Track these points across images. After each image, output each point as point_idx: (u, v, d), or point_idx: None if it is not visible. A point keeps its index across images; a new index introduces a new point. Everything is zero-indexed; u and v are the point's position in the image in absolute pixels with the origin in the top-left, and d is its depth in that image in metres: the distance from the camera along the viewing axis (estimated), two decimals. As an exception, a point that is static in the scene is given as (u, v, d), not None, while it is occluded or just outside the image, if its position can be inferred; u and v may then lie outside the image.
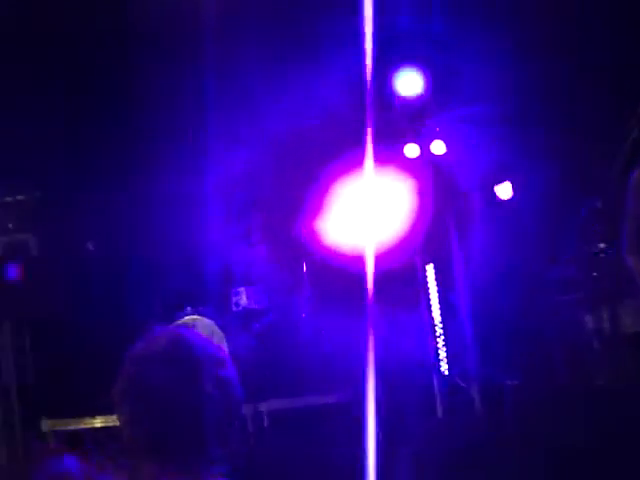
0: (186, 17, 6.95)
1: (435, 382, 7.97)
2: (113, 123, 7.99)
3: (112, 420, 7.79)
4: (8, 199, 8.37)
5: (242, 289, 8.28)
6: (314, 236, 8.17)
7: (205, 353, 1.59)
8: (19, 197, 8.32)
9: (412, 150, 7.97)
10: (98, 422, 7.83)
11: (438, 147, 7.96)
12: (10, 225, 8.36)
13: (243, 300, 8.24)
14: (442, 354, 8.15)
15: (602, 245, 6.98)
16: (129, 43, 7.33)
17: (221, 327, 5.52)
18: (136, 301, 8.45)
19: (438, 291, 8.26)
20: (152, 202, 8.32)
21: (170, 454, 1.54)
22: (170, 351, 1.56)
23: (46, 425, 7.91)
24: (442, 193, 8.02)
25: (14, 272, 8.38)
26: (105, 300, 8.23)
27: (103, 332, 8.15)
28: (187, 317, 8.07)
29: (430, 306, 8.26)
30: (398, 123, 7.95)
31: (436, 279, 8.28)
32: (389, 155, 7.54)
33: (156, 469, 1.53)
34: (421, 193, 7.80)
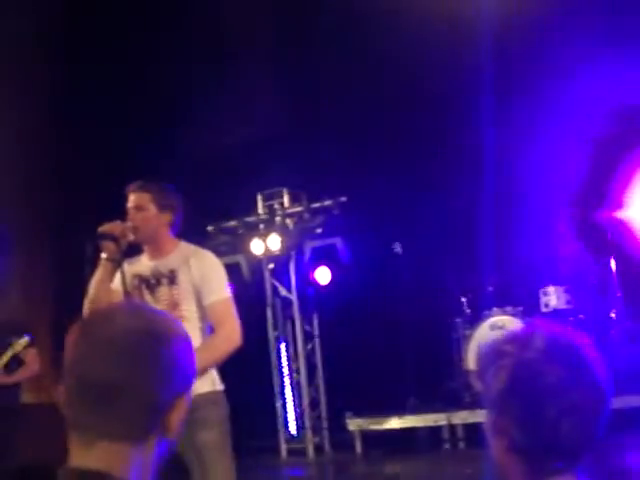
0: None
1: None
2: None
3: (412, 421, 7.84)
4: (316, 205, 8.64)
5: (552, 289, 7.96)
6: (625, 237, 7.81)
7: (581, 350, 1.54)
8: (326, 203, 8.55)
9: None
10: (396, 422, 7.85)
11: None
12: (319, 230, 8.61)
13: (553, 301, 7.92)
14: None
15: None
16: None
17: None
18: (441, 301, 8.41)
19: None
20: (455, 203, 8.29)
21: (567, 452, 1.50)
22: (555, 350, 1.53)
23: (353, 424, 8.02)
24: None
25: (323, 274, 8.66)
26: (410, 300, 8.25)
27: (410, 333, 8.19)
28: (496, 317, 7.94)
29: None
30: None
31: None
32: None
33: (540, 468, 1.50)
34: None
